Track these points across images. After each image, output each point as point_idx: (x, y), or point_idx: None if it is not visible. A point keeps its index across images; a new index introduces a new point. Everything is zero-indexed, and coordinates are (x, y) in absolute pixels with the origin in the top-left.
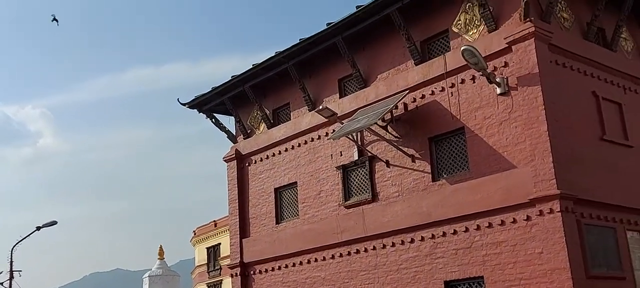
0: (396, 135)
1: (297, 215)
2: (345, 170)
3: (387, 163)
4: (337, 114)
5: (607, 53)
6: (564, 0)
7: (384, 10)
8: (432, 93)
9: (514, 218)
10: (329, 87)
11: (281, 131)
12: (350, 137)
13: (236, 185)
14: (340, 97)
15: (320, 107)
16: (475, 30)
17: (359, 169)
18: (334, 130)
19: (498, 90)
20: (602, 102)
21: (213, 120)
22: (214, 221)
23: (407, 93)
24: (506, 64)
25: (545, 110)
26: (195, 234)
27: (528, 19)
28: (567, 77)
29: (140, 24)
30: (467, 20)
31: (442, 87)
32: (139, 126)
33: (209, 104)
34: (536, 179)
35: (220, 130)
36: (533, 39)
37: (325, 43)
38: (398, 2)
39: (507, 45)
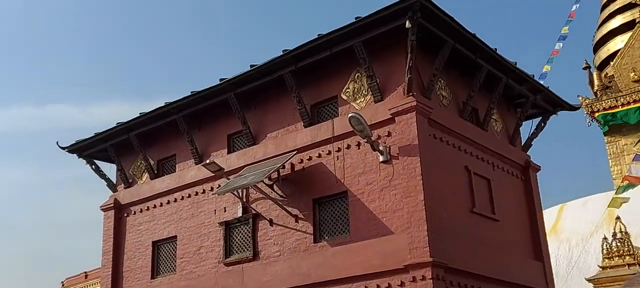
0: (281, 194)
1: (175, 270)
2: (228, 226)
3: (271, 222)
4: (223, 169)
5: (480, 131)
6: (444, 80)
7: (278, 71)
8: (319, 155)
9: (389, 284)
10: (218, 141)
11: (165, 183)
12: (236, 194)
13: (112, 236)
14: (228, 153)
15: (207, 161)
16: (363, 99)
17: (241, 226)
18: (219, 186)
19: (381, 158)
20: (473, 177)
21: (93, 166)
22: (85, 272)
23: (295, 154)
24: (389, 134)
25: (422, 180)
26: (63, 285)
27: (411, 94)
28: (443, 151)
29: (23, 60)
30: (356, 89)
31: (329, 151)
32: (19, 166)
33: (90, 149)
34: (411, 246)
35: (100, 177)
36: (414, 112)
37: (217, 98)
38: (291, 65)
39: (391, 116)
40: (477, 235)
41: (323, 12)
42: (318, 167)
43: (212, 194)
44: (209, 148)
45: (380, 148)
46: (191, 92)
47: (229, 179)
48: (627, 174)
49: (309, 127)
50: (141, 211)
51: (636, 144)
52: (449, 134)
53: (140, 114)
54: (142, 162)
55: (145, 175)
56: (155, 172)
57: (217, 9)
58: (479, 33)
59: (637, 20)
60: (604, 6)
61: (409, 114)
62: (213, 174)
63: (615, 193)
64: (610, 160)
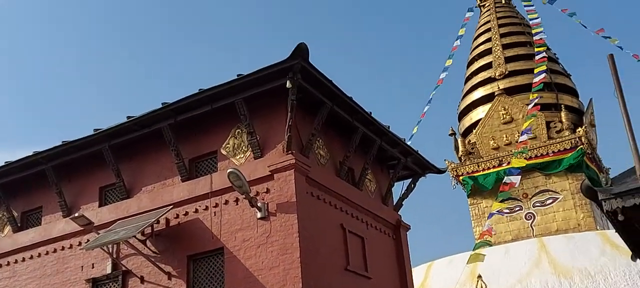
0: (155, 250)
1: None
2: (96, 283)
3: (142, 280)
4: (93, 223)
5: (355, 190)
6: (322, 139)
7: (156, 124)
8: (196, 211)
9: None
10: (89, 194)
11: (29, 236)
12: (105, 249)
13: None
14: (100, 206)
15: (76, 214)
16: (242, 156)
17: (111, 284)
18: (88, 240)
19: (258, 215)
20: (348, 235)
21: None
22: None
23: (171, 208)
24: (268, 191)
25: (299, 237)
26: None
27: (290, 152)
28: (320, 209)
29: None
30: (236, 145)
31: (206, 206)
32: None
33: None
34: None
35: None
36: (293, 170)
37: (90, 149)
38: (171, 118)
39: (270, 173)
40: None
41: (203, 68)
42: (194, 222)
43: (80, 249)
44: (79, 200)
45: (259, 204)
46: (63, 141)
47: (98, 234)
48: (483, 230)
49: (186, 182)
50: (1, 266)
51: (492, 204)
52: (326, 192)
53: (6, 162)
54: (5, 213)
55: (8, 228)
56: (19, 224)
57: (96, 56)
58: (356, 97)
59: (495, 94)
60: (468, 78)
61: (287, 171)
62: (82, 228)
63: (473, 249)
64: (473, 221)
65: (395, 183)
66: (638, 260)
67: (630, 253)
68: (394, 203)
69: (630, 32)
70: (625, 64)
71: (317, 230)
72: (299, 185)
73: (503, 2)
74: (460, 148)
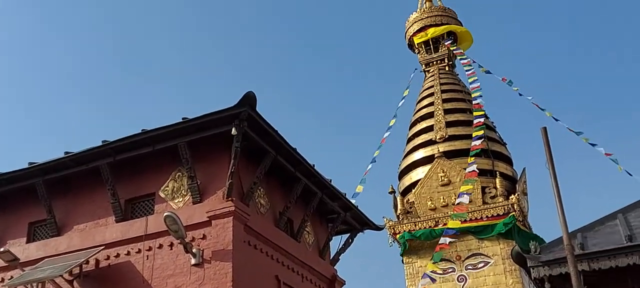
0: None
1: None
2: None
3: None
4: (19, 259)
5: (293, 242)
6: (263, 188)
7: (94, 162)
8: (128, 253)
9: None
10: (18, 229)
11: None
12: (29, 287)
13: None
14: (27, 242)
15: (1, 249)
16: (181, 199)
17: None
18: (12, 277)
19: (193, 261)
20: (282, 287)
21: None
22: None
23: (102, 249)
24: (204, 237)
25: (232, 286)
26: None
27: (230, 199)
28: (257, 259)
29: None
30: (175, 188)
31: (139, 249)
32: None
33: None
34: None
35: None
36: (232, 217)
37: (23, 182)
38: (110, 156)
39: (208, 219)
40: None
41: (148, 109)
42: (126, 265)
43: (3, 286)
44: (5, 235)
45: (194, 250)
46: None
47: (24, 271)
48: None
49: (120, 223)
50: None
51: (426, 264)
52: (264, 242)
53: None
54: None
55: None
56: None
57: (36, 91)
58: (302, 149)
59: (435, 156)
60: (410, 139)
61: (226, 218)
62: (6, 264)
63: None
64: (407, 280)
65: (333, 238)
66: None
67: None
68: (331, 258)
69: (566, 103)
70: (559, 134)
71: (252, 280)
72: (237, 233)
73: (447, 68)
74: (399, 207)
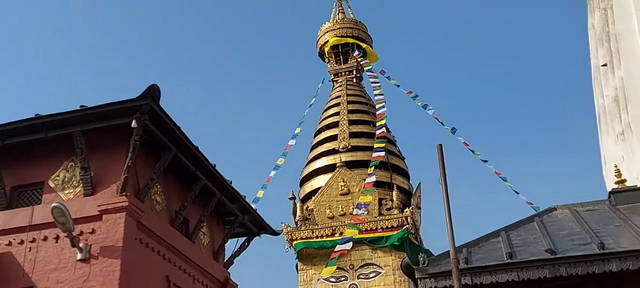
0: None
1: None
2: None
3: None
4: None
5: (187, 242)
6: (160, 185)
7: None
8: (9, 244)
9: None
10: None
11: None
12: None
13: None
14: None
15: None
16: (72, 191)
17: None
18: None
19: (79, 256)
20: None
21: None
22: None
23: None
24: (93, 231)
25: (119, 285)
26: None
27: (124, 193)
28: (148, 257)
29: None
30: (66, 179)
31: (22, 240)
32: None
33: None
34: None
35: None
36: (124, 213)
37: None
38: None
39: (98, 213)
40: None
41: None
42: (5, 256)
43: None
44: None
45: (80, 245)
46: None
47: None
48: None
49: (4, 211)
50: None
51: (321, 271)
52: (156, 240)
53: None
54: None
55: None
56: None
57: None
58: (203, 147)
59: (337, 165)
60: (314, 147)
61: (118, 213)
62: None
63: None
64: (300, 287)
65: (229, 240)
66: None
67: None
68: (225, 260)
69: (466, 120)
70: (457, 151)
71: (141, 279)
72: (129, 229)
73: (354, 80)
74: (298, 213)
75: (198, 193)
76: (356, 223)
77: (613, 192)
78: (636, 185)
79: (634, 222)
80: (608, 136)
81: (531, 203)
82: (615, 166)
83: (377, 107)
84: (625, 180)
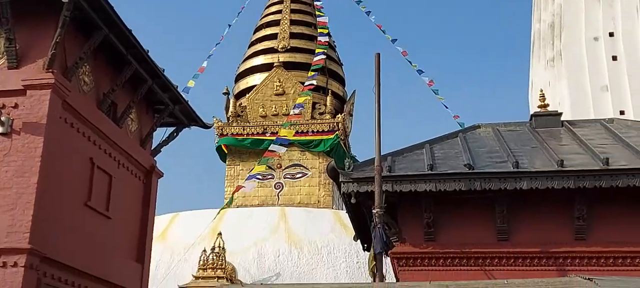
0: None
1: None
2: None
3: None
4: None
5: (113, 127)
6: (89, 66)
7: None
8: None
9: None
10: None
11: None
12: None
13: None
14: None
15: None
16: None
17: None
18: None
19: (0, 129)
20: (96, 170)
21: None
22: None
23: None
24: (16, 106)
25: (41, 162)
26: None
27: (51, 70)
28: (72, 137)
29: None
30: None
31: None
32: None
33: None
34: (11, 229)
35: None
36: (50, 90)
37: None
38: None
39: (22, 88)
40: (87, 230)
41: None
42: None
43: None
44: None
45: (2, 118)
46: None
47: None
48: (238, 185)
49: None
50: None
51: (251, 170)
52: (82, 121)
53: None
54: None
55: None
56: None
57: None
58: (137, 30)
59: (274, 65)
60: (252, 43)
61: (43, 90)
62: None
63: (222, 208)
64: (226, 181)
65: (158, 129)
66: (358, 241)
67: (354, 233)
68: (152, 148)
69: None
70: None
71: (64, 158)
72: (53, 107)
73: None
74: (231, 109)
75: (128, 79)
76: (292, 123)
77: (534, 115)
78: (557, 110)
79: (550, 145)
80: (539, 62)
81: (457, 117)
82: (541, 91)
83: (319, 12)
84: (548, 105)
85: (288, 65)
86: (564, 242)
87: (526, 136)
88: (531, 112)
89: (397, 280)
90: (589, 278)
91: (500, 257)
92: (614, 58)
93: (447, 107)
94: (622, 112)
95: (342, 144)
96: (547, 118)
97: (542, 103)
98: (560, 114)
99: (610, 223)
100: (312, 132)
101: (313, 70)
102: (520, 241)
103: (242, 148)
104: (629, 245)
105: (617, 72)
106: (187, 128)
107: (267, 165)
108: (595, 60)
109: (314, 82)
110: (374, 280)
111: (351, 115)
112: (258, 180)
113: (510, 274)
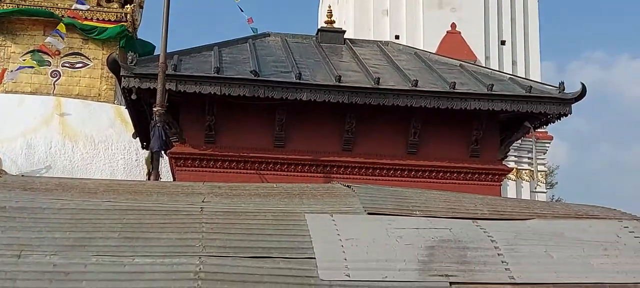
0: None
1: None
2: None
3: None
4: None
5: None
6: None
7: None
8: None
9: None
10: None
11: None
12: None
13: None
14: None
15: None
16: None
17: None
18: None
19: None
20: None
21: None
22: None
23: None
24: None
25: None
26: None
27: None
28: None
29: None
30: None
31: None
32: None
33: None
34: None
35: None
36: None
37: None
38: None
39: None
40: None
41: None
42: None
43: None
44: None
45: None
46: None
47: None
48: (3, 68)
49: None
50: None
51: (24, 54)
52: None
53: None
54: None
55: None
56: None
57: None
58: None
59: None
60: None
61: None
62: None
63: None
64: None
65: None
66: (137, 138)
67: (133, 131)
68: None
69: None
70: None
71: None
72: None
73: None
74: None
75: None
76: (73, 19)
77: (320, 30)
78: (342, 28)
79: (331, 60)
80: None
81: (251, 21)
82: (329, 7)
83: None
84: (334, 22)
85: None
86: (332, 152)
87: (311, 50)
88: (319, 27)
89: (174, 180)
90: (348, 185)
91: (275, 162)
92: None
93: (242, 10)
94: (397, 36)
95: (130, 37)
96: (332, 34)
97: (329, 19)
98: (344, 31)
99: (374, 138)
100: (97, 19)
101: None
102: (295, 148)
103: (11, 26)
104: (386, 158)
105: None
106: None
107: (43, 52)
108: None
109: None
110: (149, 179)
111: (142, 8)
112: (30, 70)
113: (282, 179)
